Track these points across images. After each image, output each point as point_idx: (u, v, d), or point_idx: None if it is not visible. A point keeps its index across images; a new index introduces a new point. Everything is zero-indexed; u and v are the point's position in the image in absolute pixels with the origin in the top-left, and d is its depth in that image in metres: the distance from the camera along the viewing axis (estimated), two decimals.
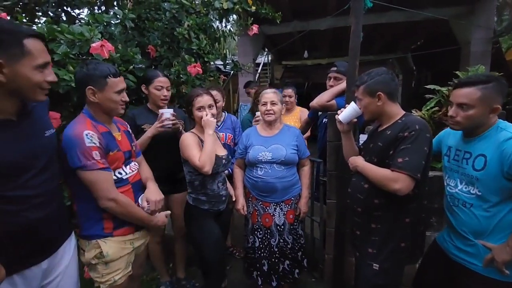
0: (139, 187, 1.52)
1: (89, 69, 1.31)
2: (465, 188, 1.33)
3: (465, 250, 1.34)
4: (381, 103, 1.41)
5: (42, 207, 1.10)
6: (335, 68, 2.35)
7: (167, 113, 1.86)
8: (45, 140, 1.14)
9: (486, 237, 1.27)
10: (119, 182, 1.40)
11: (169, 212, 1.62)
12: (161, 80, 1.97)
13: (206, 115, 1.69)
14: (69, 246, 1.29)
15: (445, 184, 1.46)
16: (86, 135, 1.25)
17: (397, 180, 1.28)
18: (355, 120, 1.59)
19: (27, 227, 1.06)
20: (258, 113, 2.27)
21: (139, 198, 1.47)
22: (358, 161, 1.51)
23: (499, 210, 1.23)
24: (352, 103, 1.56)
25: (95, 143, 1.26)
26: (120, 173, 1.41)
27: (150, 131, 1.87)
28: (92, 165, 1.24)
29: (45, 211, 1.11)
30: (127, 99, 1.43)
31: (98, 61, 1.42)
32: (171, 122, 1.86)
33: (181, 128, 2.02)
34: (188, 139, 1.70)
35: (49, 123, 1.24)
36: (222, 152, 1.84)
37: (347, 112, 1.56)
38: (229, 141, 2.42)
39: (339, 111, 1.61)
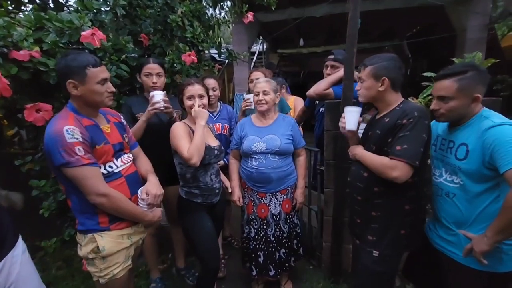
0: (134, 180, 1.47)
1: (68, 60, 1.24)
2: (449, 177, 1.33)
3: (447, 239, 1.36)
4: (383, 89, 1.39)
5: None
6: (332, 56, 2.32)
7: (158, 94, 1.81)
8: None
9: (467, 227, 1.28)
10: (111, 176, 1.35)
11: (162, 209, 1.58)
12: (150, 67, 1.91)
13: (198, 106, 1.66)
14: (16, 253, 1.22)
15: (431, 174, 1.47)
16: (67, 130, 1.18)
17: (396, 168, 1.28)
18: (361, 119, 1.54)
19: None
20: (246, 96, 2.23)
21: (139, 190, 1.44)
22: (357, 150, 1.51)
23: (481, 201, 1.23)
24: (349, 108, 1.51)
25: (77, 138, 1.20)
26: (110, 166, 1.36)
27: (144, 115, 1.83)
28: (76, 161, 1.19)
29: None
30: (113, 89, 1.37)
31: (78, 51, 1.36)
32: (163, 104, 1.81)
33: (175, 115, 1.97)
34: (178, 129, 1.66)
35: None
36: (214, 142, 1.81)
37: (352, 118, 1.49)
38: (225, 131, 2.40)
39: (342, 122, 1.55)
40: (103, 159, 1.32)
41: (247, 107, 2.21)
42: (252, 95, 2.16)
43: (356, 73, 1.87)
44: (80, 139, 1.21)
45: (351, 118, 1.50)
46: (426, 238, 1.50)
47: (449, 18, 5.16)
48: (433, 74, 2.11)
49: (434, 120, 1.53)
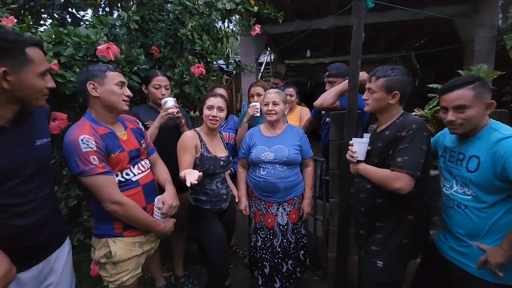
0: (150, 189, 1.48)
1: (89, 68, 1.37)
2: (460, 189, 1.33)
3: (459, 251, 1.34)
4: (393, 102, 1.42)
5: (29, 214, 1.08)
6: (326, 73, 2.36)
7: (170, 101, 1.90)
8: (35, 149, 1.12)
9: (480, 239, 1.26)
10: (128, 185, 1.38)
11: (174, 220, 1.58)
12: (159, 79, 2.00)
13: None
14: (63, 251, 1.26)
15: (441, 185, 1.47)
16: (82, 140, 1.22)
17: (398, 179, 1.30)
18: (369, 148, 1.54)
19: (12, 235, 1.04)
20: (253, 103, 2.28)
21: (156, 199, 1.46)
22: (359, 165, 1.52)
23: (494, 212, 1.22)
24: (358, 139, 1.53)
25: (91, 148, 1.23)
26: (127, 174, 1.39)
27: (157, 120, 1.90)
28: (91, 170, 1.23)
29: (32, 218, 1.09)
30: (129, 93, 1.43)
31: (96, 64, 1.46)
32: (176, 110, 1.90)
33: (183, 121, 2.05)
34: (184, 139, 1.72)
35: (45, 132, 1.21)
36: (222, 153, 1.86)
37: (361, 149, 1.50)
38: (232, 140, 2.48)
39: (352, 153, 1.53)
40: (119, 166, 1.35)
41: (254, 112, 2.25)
42: (258, 103, 2.21)
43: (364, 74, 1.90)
44: (95, 148, 1.25)
45: (361, 148, 1.50)
46: (436, 249, 1.48)
47: (457, 29, 5.16)
48: (439, 86, 2.12)
49: (440, 132, 1.54)
